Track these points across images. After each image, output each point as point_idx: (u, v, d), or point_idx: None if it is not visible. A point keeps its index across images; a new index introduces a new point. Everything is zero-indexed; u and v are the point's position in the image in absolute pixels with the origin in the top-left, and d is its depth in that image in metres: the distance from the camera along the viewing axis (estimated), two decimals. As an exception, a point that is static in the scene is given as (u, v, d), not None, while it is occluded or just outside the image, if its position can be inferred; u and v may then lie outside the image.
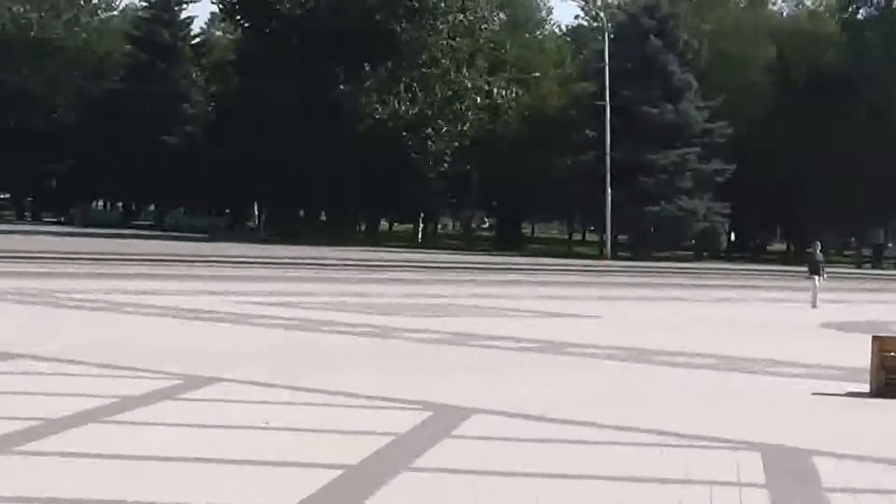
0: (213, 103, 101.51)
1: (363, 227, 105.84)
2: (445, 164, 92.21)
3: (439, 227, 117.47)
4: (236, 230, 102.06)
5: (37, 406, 12.53)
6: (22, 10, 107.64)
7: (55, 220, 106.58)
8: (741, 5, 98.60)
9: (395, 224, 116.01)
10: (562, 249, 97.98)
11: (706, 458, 12.03)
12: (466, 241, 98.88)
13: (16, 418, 11.23)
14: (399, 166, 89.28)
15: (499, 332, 24.38)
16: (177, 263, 50.07)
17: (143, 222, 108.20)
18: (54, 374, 15.38)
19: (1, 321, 22.38)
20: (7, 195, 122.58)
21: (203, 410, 13.11)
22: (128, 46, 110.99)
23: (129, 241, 72.24)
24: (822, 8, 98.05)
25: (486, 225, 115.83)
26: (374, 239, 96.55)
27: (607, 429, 13.28)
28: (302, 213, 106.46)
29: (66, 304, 26.81)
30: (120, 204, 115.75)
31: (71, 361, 16.63)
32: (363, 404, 14.42)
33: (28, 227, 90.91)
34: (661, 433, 13.07)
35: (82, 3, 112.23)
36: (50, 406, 12.56)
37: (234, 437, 11.94)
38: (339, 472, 10.48)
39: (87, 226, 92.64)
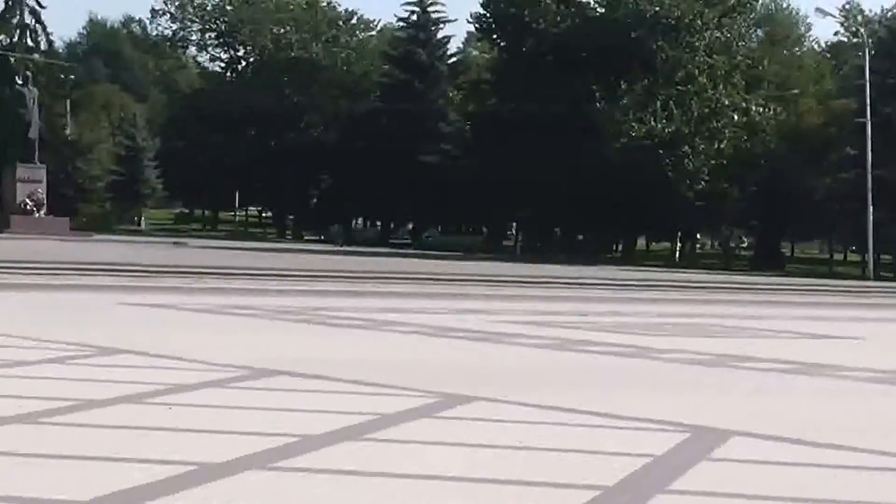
0: (469, 122, 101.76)
1: (619, 246, 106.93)
2: (702, 183, 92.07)
3: (697, 246, 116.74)
4: (492, 248, 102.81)
5: (293, 422, 12.68)
6: (283, 30, 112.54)
7: (315, 237, 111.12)
8: None
9: (652, 243, 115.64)
10: (822, 269, 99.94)
11: None
12: (725, 261, 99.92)
13: (272, 434, 11.39)
14: (655, 185, 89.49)
15: (757, 352, 23.76)
16: (433, 282, 50.02)
17: (400, 240, 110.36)
18: (311, 390, 15.48)
19: (261, 339, 22.46)
20: (269, 213, 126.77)
21: (459, 429, 13.14)
22: (385, 66, 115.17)
23: (387, 259, 72.86)
24: None
25: (745, 244, 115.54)
26: (630, 258, 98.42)
27: (871, 454, 12.69)
28: (558, 231, 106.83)
29: (325, 322, 27.04)
30: (378, 222, 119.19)
31: (328, 378, 16.81)
32: (619, 424, 14.10)
33: (290, 245, 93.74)
34: (882, 451, 12.78)
35: (341, 23, 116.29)
36: (307, 423, 12.72)
37: (490, 456, 11.64)
38: (596, 493, 10.19)
39: (346, 244, 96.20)
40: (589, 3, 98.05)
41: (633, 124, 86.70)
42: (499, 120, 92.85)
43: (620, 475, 10.95)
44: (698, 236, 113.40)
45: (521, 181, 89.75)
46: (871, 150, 75.99)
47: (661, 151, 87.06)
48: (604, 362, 21.36)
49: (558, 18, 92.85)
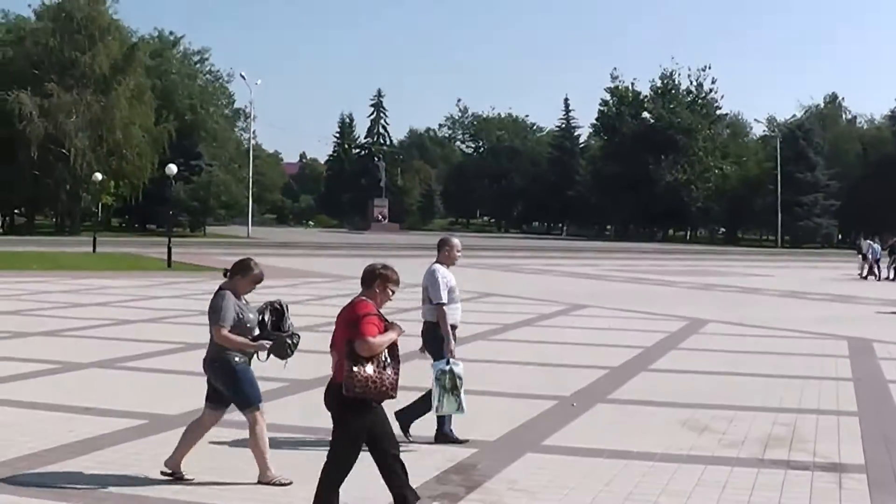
0: (591, 175, 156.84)
1: (661, 234, 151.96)
2: (699, 203, 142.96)
3: (697, 233, 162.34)
4: (600, 237, 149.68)
5: (502, 318, 23.47)
6: (501, 132, 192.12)
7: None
8: None
9: (675, 232, 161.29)
10: (758, 243, 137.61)
11: (821, 343, 22.11)
12: (711, 240, 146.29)
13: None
14: (678, 204, 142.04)
15: (726, 283, 42.21)
16: (578, 251, 77.58)
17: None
18: (518, 305, 26.64)
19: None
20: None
21: (579, 320, 25.12)
22: (549, 150, 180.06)
23: (555, 241, 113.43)
24: None
25: (721, 233, 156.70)
26: (667, 239, 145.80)
27: (783, 330, 25.17)
28: (631, 226, 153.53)
29: (540, 271, 43.65)
30: (543, 223, 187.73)
31: (527, 299, 30.63)
32: (655, 318, 26.54)
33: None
34: (796, 332, 25.05)
35: (527, 129, 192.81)
36: (508, 317, 24.50)
37: (593, 333, 22.97)
38: (641, 350, 20.40)
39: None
40: (647, 119, 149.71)
41: (670, 174, 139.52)
42: (604, 174, 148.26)
43: (654, 340, 21.96)
44: (699, 230, 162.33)
45: (616, 203, 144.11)
46: (781, 185, 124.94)
47: (682, 189, 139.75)
48: (651, 289, 38.32)
49: (634, 125, 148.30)
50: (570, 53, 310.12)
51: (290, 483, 10.84)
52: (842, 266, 68.28)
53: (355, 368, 9.23)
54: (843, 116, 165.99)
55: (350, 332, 9.43)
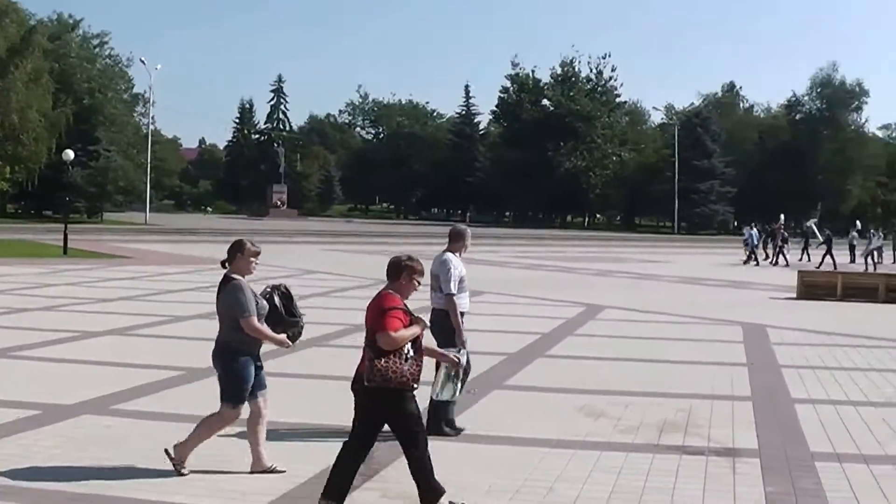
0: (490, 161, 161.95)
1: (559, 220, 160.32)
2: (598, 190, 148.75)
3: (595, 219, 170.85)
4: (500, 223, 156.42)
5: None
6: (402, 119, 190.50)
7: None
8: None
9: (572, 218, 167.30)
10: (654, 230, 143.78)
11: (716, 329, 22.75)
12: (607, 226, 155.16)
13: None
14: (577, 190, 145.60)
15: (620, 269, 44.96)
16: (481, 237, 63.12)
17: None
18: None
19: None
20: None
21: (480, 307, 24.58)
22: (450, 136, 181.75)
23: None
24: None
25: (618, 219, 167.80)
26: (565, 226, 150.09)
27: (682, 316, 25.76)
28: (530, 213, 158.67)
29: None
30: (442, 210, 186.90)
31: None
32: (554, 303, 26.80)
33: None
34: (692, 317, 25.18)
35: (427, 115, 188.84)
36: None
37: (494, 319, 23.48)
38: (539, 336, 21.18)
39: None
40: (547, 106, 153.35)
41: (569, 161, 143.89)
42: (504, 161, 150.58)
43: (551, 327, 23.00)
44: (597, 216, 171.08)
45: (515, 189, 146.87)
46: (678, 172, 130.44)
47: (581, 175, 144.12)
48: (549, 275, 39.79)
49: (533, 112, 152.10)
50: (470, 40, 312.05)
51: (186, 474, 10.86)
52: (737, 252, 70.18)
53: (376, 360, 9.44)
54: (741, 105, 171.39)
55: (374, 324, 9.59)
